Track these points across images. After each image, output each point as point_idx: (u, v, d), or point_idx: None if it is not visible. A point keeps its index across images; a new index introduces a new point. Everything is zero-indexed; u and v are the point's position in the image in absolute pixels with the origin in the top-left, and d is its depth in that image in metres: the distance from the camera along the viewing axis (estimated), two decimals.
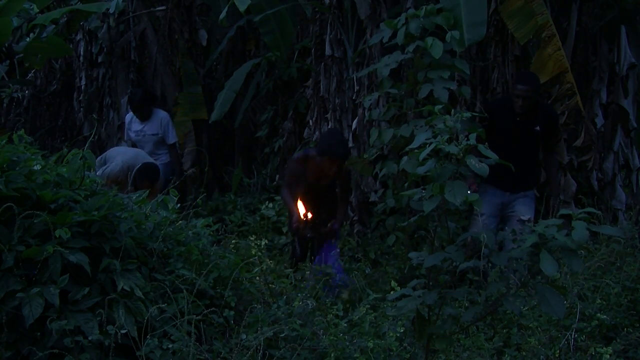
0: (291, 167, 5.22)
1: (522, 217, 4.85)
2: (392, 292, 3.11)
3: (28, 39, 8.26)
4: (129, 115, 7.20)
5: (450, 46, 5.09)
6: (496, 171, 2.92)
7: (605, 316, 3.67)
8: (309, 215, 4.90)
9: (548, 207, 5.34)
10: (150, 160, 6.01)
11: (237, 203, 7.66)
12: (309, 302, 3.59)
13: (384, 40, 5.45)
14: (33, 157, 3.28)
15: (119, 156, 5.81)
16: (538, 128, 5.10)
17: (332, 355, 3.09)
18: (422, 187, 2.92)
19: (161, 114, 7.14)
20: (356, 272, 4.77)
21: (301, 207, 4.90)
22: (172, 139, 7.17)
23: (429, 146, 2.61)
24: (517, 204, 5.11)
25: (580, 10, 6.18)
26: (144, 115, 6.99)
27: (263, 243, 4.16)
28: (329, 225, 5.03)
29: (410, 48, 5.05)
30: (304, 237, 5.02)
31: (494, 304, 2.75)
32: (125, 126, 7.30)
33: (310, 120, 7.30)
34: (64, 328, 2.73)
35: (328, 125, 7.08)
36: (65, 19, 8.35)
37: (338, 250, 5.13)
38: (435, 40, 4.96)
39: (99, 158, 5.77)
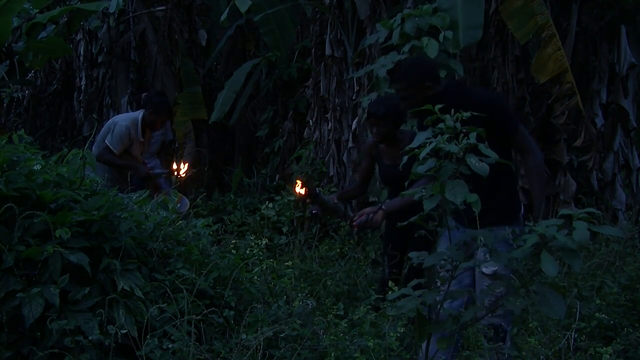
0: (361, 152, 4.63)
1: (484, 270, 3.02)
2: (392, 292, 3.10)
3: (27, 38, 8.24)
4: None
5: (445, 46, 5.10)
6: None
7: (603, 315, 3.66)
8: (303, 188, 3.86)
9: (548, 207, 5.33)
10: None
11: (237, 203, 7.66)
12: (309, 302, 3.59)
13: (379, 41, 5.46)
14: (33, 157, 3.28)
15: (119, 119, 5.74)
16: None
17: (332, 355, 3.08)
18: (422, 186, 2.91)
19: None
20: (356, 272, 4.76)
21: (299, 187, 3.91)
22: (170, 135, 7.09)
23: (429, 145, 2.60)
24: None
25: (580, 10, 6.19)
26: None
27: (263, 243, 4.15)
28: None
29: (406, 48, 5.06)
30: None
31: (494, 304, 2.74)
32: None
33: (310, 120, 7.30)
34: (64, 328, 2.73)
35: (328, 125, 7.09)
36: (65, 18, 8.35)
37: None
38: (431, 40, 4.97)
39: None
